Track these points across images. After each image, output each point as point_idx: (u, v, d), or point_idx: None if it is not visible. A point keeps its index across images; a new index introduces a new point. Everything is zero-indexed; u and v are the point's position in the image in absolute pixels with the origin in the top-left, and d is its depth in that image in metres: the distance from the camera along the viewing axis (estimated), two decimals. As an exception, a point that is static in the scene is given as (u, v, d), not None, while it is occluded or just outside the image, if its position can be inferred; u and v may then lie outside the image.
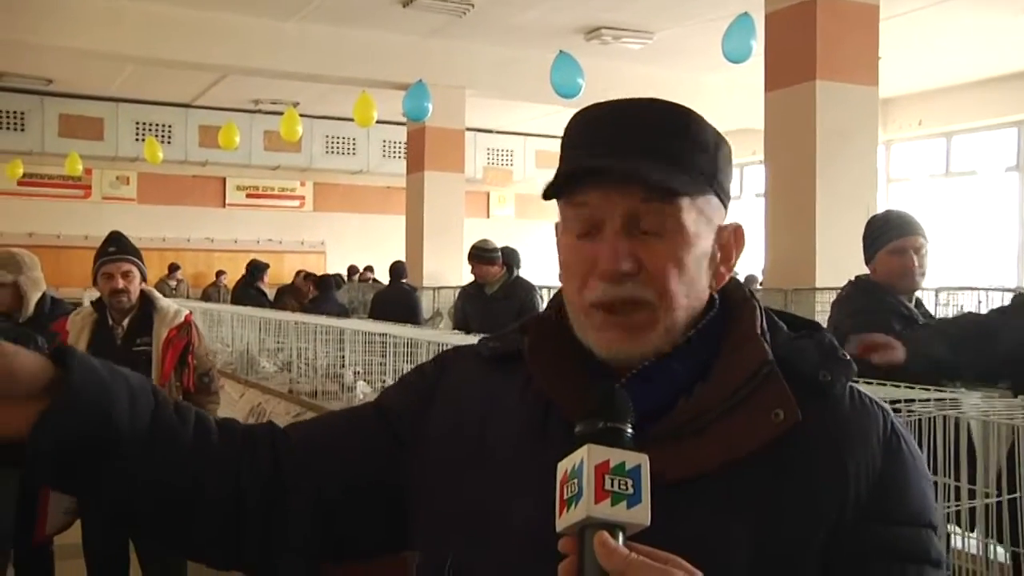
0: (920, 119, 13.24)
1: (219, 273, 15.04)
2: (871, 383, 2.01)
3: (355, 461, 1.03)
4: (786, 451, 0.89)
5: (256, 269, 10.55)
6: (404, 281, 8.67)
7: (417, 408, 1.05)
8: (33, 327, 3.88)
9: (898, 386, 2.02)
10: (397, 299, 8.19)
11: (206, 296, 13.59)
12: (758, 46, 7.04)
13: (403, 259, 10.36)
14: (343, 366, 4.98)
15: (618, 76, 10.48)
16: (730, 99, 11.23)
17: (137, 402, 0.94)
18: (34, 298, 4.01)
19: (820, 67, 6.50)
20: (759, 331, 0.96)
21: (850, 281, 3.35)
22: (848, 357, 0.96)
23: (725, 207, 0.99)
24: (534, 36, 10.18)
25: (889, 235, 3.14)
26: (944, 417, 1.75)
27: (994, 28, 9.78)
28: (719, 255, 0.98)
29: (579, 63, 8.19)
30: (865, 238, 3.25)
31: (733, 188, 1.05)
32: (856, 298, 3.25)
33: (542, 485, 0.89)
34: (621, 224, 0.92)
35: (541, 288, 6.33)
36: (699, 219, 0.94)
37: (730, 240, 0.99)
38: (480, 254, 5.90)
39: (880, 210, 3.74)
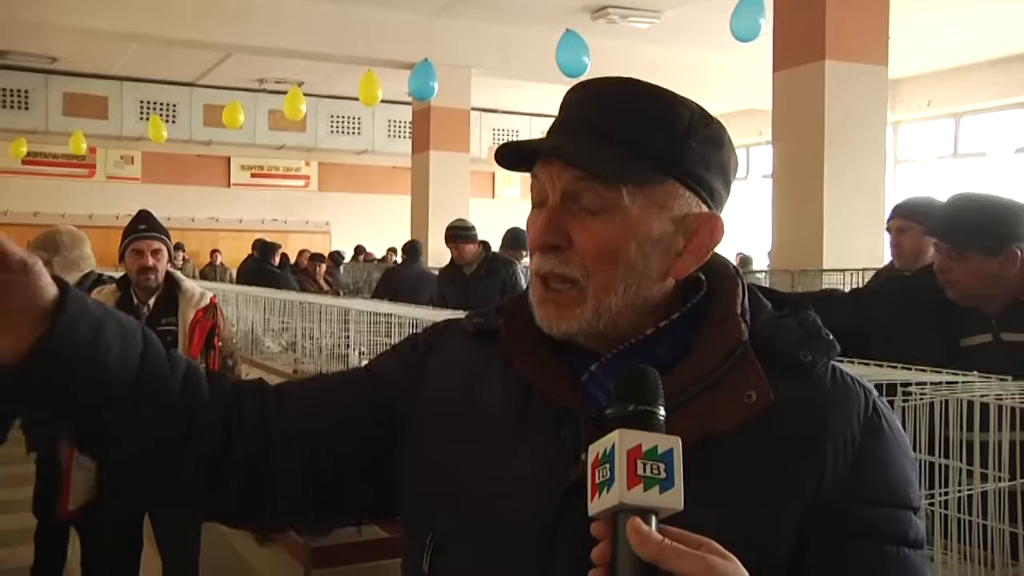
0: (929, 100, 13.16)
1: (214, 252, 14.90)
2: (881, 365, 1.99)
3: (345, 422, 1.04)
4: (763, 431, 0.89)
5: (268, 248, 10.44)
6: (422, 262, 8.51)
7: (408, 378, 1.06)
8: None
9: (909, 368, 2.00)
10: (422, 280, 7.98)
11: (203, 275, 13.54)
12: (767, 25, 6.98)
13: (402, 240, 10.29)
14: (348, 346, 4.97)
15: (625, 55, 10.41)
16: (738, 79, 11.16)
17: (128, 343, 0.93)
18: (68, 278, 4.09)
19: (829, 47, 6.44)
20: (739, 310, 0.96)
21: None
22: (831, 337, 0.96)
23: (700, 195, 0.96)
24: (540, 15, 10.11)
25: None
26: (957, 400, 1.73)
27: (1004, 8, 9.69)
28: (682, 244, 0.96)
29: (585, 42, 8.13)
30: None
31: (739, 169, 1.04)
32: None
33: (524, 470, 0.92)
34: (559, 199, 0.94)
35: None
36: (648, 204, 0.93)
37: (699, 230, 0.96)
38: (458, 233, 5.75)
39: (888, 192, 4.05)
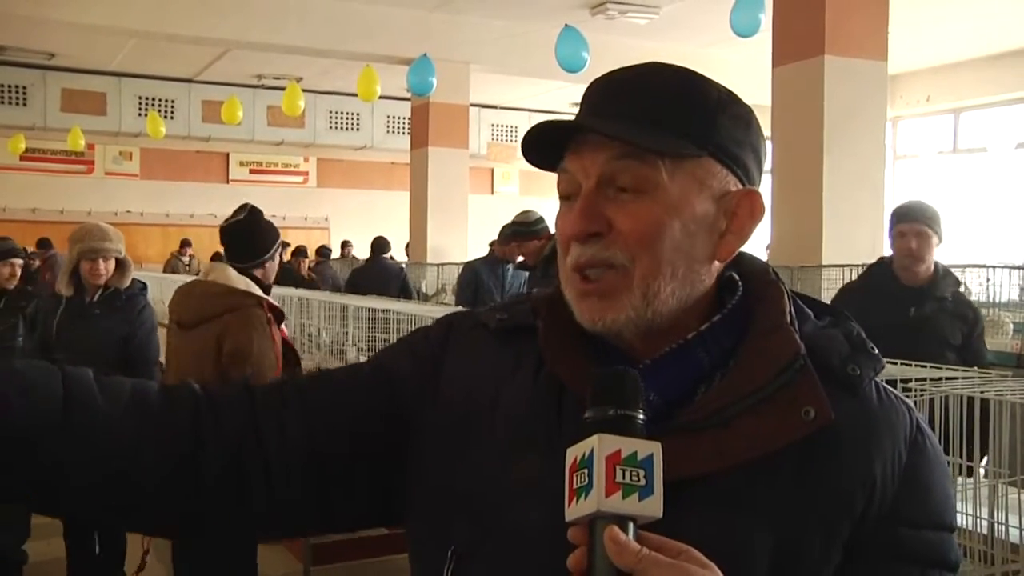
0: (928, 95, 13.13)
1: (184, 243, 14.13)
2: (882, 361, 1.98)
3: (348, 418, 0.97)
4: (812, 448, 0.85)
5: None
6: (389, 256, 8.51)
7: (423, 375, 0.98)
8: (115, 304, 3.96)
9: (909, 365, 1.99)
10: (386, 275, 8.07)
11: (172, 269, 13.18)
12: (766, 20, 6.97)
13: (401, 235, 10.29)
14: (346, 342, 4.97)
15: (624, 51, 10.35)
16: (737, 75, 11.09)
17: (33, 393, 0.87)
18: (128, 276, 4.08)
19: (828, 42, 6.42)
20: (788, 319, 0.91)
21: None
22: (876, 351, 0.92)
23: (736, 173, 0.92)
24: (539, 11, 10.09)
25: (896, 220, 3.53)
26: (960, 397, 1.73)
27: (1003, 3, 9.68)
28: (724, 223, 0.91)
29: (584, 38, 8.11)
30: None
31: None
32: (862, 276, 3.67)
33: (555, 476, 0.84)
34: (595, 183, 0.89)
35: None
36: (687, 182, 0.89)
37: (739, 207, 0.92)
38: (524, 230, 5.09)
39: (888, 188, 4.26)
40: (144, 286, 4.27)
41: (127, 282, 4.05)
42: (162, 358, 3.94)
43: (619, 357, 0.91)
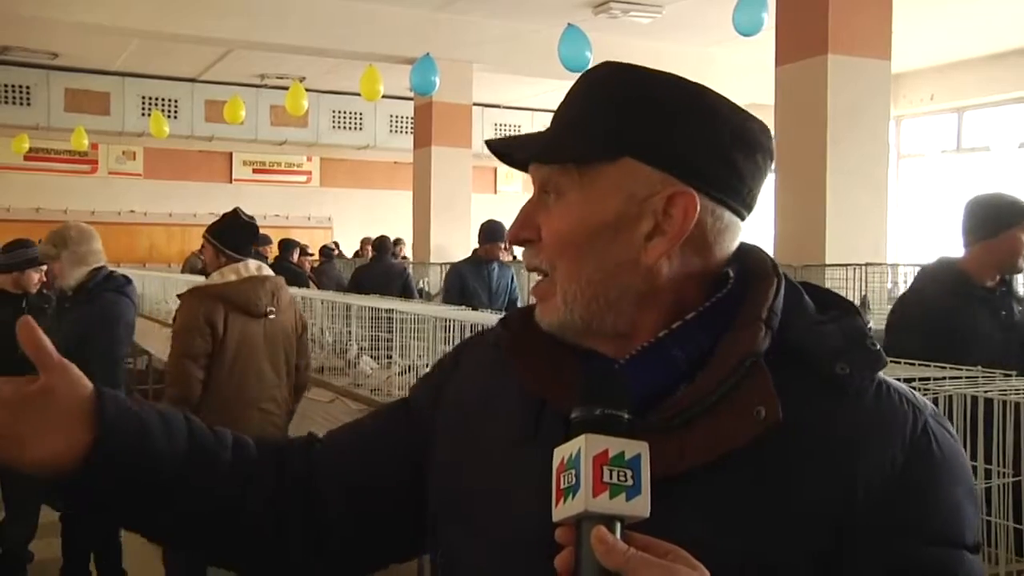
0: (931, 94, 13.11)
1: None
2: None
3: (385, 462, 1.04)
4: (782, 450, 0.81)
5: (289, 245, 10.34)
6: (396, 258, 8.54)
7: (433, 399, 1.04)
8: (80, 301, 3.94)
9: (912, 364, 1.99)
10: (388, 275, 8.08)
11: (191, 268, 13.18)
12: (769, 19, 6.96)
13: (404, 234, 10.26)
14: (349, 342, 4.96)
15: (627, 50, 10.37)
16: (740, 74, 11.13)
17: (172, 429, 0.96)
18: (74, 273, 4.06)
19: (832, 41, 6.41)
20: (764, 314, 0.86)
21: (927, 269, 3.31)
22: (877, 346, 0.86)
23: (672, 172, 0.87)
24: (542, 10, 10.08)
25: (1014, 218, 3.12)
26: (964, 396, 1.72)
27: (1007, 2, 9.65)
28: (651, 226, 0.87)
29: (587, 37, 8.11)
30: (989, 218, 3.18)
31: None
32: (945, 285, 3.17)
33: (534, 481, 0.85)
34: (536, 191, 0.94)
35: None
36: (600, 186, 0.87)
37: (671, 209, 0.87)
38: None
39: (891, 187, 3.85)
40: (109, 274, 4.17)
41: (68, 281, 4.07)
42: (156, 352, 3.98)
43: (596, 358, 0.92)
